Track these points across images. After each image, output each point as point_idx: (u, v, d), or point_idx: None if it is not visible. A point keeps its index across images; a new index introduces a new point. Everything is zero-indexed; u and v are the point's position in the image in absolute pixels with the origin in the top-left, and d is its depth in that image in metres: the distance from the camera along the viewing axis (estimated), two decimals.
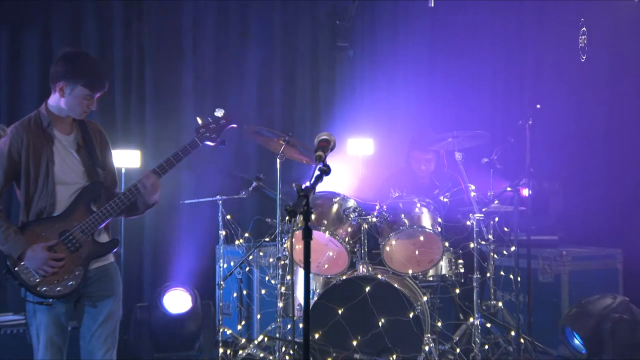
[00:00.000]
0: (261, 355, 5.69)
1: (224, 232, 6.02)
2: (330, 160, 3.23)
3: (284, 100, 7.57)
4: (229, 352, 5.72)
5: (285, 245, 5.58)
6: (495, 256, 5.78)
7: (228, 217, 6.01)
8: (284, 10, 7.58)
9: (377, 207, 5.50)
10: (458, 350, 5.46)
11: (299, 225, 5.03)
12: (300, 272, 5.65)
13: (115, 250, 3.93)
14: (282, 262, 5.60)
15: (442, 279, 5.61)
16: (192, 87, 7.11)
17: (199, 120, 3.97)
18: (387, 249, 5.46)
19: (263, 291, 6.16)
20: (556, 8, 7.68)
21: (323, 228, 5.35)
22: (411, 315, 5.07)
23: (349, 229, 5.47)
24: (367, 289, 5.14)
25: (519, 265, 5.70)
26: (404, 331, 5.06)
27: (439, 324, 5.46)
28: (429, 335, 5.19)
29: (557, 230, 6.99)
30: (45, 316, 3.70)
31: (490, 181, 5.75)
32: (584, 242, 6.95)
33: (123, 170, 6.14)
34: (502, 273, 5.92)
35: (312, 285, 5.61)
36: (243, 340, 5.80)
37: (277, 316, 5.61)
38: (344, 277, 5.29)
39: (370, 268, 5.33)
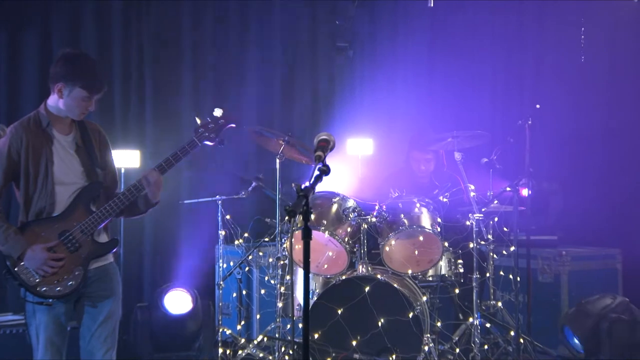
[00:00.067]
0: (261, 355, 5.69)
1: (223, 232, 6.02)
2: (330, 160, 3.23)
3: (284, 100, 7.57)
4: (228, 352, 5.72)
5: (284, 245, 5.58)
6: (495, 256, 5.78)
7: (227, 217, 6.01)
8: (284, 10, 7.58)
9: (376, 207, 5.50)
10: (457, 350, 5.46)
11: (299, 225, 5.03)
12: (300, 272, 5.65)
13: (114, 250, 3.94)
14: (282, 262, 5.60)
15: (441, 279, 5.61)
16: (192, 87, 7.11)
17: (198, 120, 3.97)
18: (387, 249, 5.46)
19: (262, 291, 6.16)
20: (556, 8, 7.69)
21: (322, 228, 5.35)
22: (411, 315, 5.07)
23: (349, 229, 5.47)
24: (367, 289, 5.14)
25: (518, 265, 5.70)
26: (404, 331, 5.06)
27: (439, 324, 5.46)
28: (429, 335, 5.19)
29: (557, 230, 6.99)
30: (45, 316, 3.70)
31: (490, 181, 5.75)
32: (584, 242, 6.95)
33: (122, 170, 6.13)
34: (501, 273, 5.93)
35: (312, 285, 5.61)
36: (242, 340, 5.80)
37: (277, 316, 5.62)
38: (344, 277, 5.29)
39: (369, 268, 5.33)
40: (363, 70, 7.85)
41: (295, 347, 5.36)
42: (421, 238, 5.49)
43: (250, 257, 6.05)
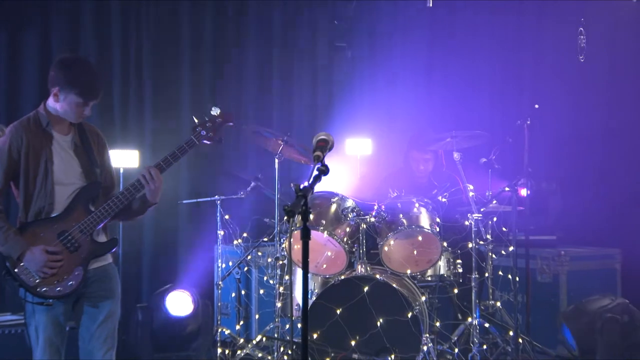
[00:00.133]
0: (259, 355, 5.69)
1: (222, 232, 6.02)
2: (329, 160, 3.23)
3: (283, 101, 7.57)
4: (227, 352, 5.72)
5: (283, 245, 5.58)
6: (494, 256, 5.78)
7: (226, 217, 6.01)
8: (283, 10, 7.58)
9: (375, 207, 5.50)
10: (456, 350, 5.46)
11: (297, 225, 5.03)
12: (299, 272, 5.65)
13: (114, 249, 3.94)
14: (281, 262, 5.60)
15: (440, 279, 5.61)
16: (191, 87, 7.11)
17: (196, 120, 3.97)
18: (386, 249, 5.46)
19: (261, 291, 6.16)
20: (555, 8, 7.68)
21: (321, 228, 5.35)
22: (409, 315, 5.07)
23: (348, 229, 5.47)
24: (366, 289, 5.14)
25: (517, 265, 5.70)
26: (403, 331, 5.06)
27: (438, 324, 5.46)
28: (428, 335, 5.19)
29: (556, 230, 7.00)
30: (44, 316, 3.70)
31: (489, 181, 5.75)
32: (583, 242, 6.95)
33: (121, 170, 6.13)
34: (500, 273, 5.93)
35: (311, 285, 5.61)
36: (241, 340, 5.80)
37: (276, 316, 5.62)
38: (343, 277, 5.28)
39: (368, 268, 5.33)
40: (362, 70, 7.85)
41: (294, 347, 5.35)
42: (420, 238, 5.49)
43: (249, 257, 6.05)
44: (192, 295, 6.12)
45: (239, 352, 5.69)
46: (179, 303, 6.08)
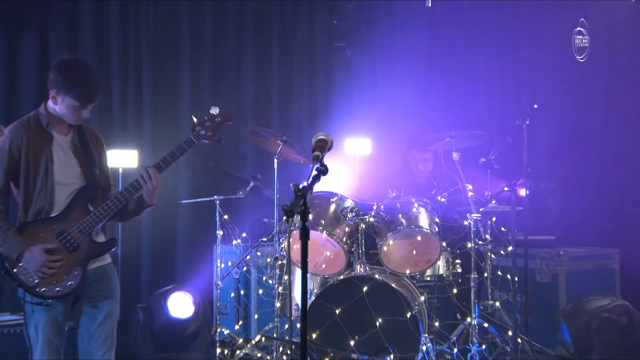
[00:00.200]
0: (258, 355, 5.69)
1: (221, 232, 6.01)
2: (328, 160, 3.22)
3: (282, 100, 7.57)
4: (226, 352, 5.72)
5: (282, 245, 5.58)
6: (493, 256, 5.79)
7: (225, 217, 6.00)
8: (282, 10, 7.58)
9: (374, 207, 5.50)
10: (455, 350, 5.46)
11: (297, 225, 5.03)
12: (298, 272, 5.65)
13: (113, 250, 3.94)
14: (280, 262, 5.60)
15: (439, 279, 5.61)
16: (190, 86, 7.10)
17: (195, 119, 3.96)
18: (385, 248, 5.46)
19: (260, 291, 6.16)
20: (554, 8, 7.68)
21: (320, 228, 5.35)
22: (408, 315, 5.07)
23: (347, 229, 5.47)
24: (365, 288, 5.14)
25: (516, 265, 5.70)
26: (402, 331, 5.06)
27: (437, 323, 5.46)
28: (427, 335, 5.19)
29: (555, 230, 7.00)
30: (43, 316, 3.70)
31: (488, 181, 5.75)
32: (581, 242, 6.95)
33: (120, 170, 6.12)
34: (499, 273, 5.93)
35: (310, 285, 5.61)
36: (240, 340, 5.80)
37: (275, 316, 5.62)
38: (342, 277, 5.29)
39: (367, 268, 5.33)
40: (361, 70, 7.85)
41: (293, 347, 5.35)
42: (419, 238, 5.49)
43: (248, 257, 6.04)
44: (194, 297, 6.12)
45: (238, 352, 5.69)
46: (180, 305, 6.08)
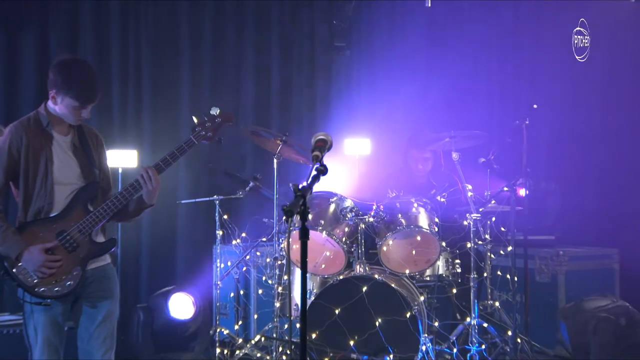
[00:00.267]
0: (258, 355, 5.69)
1: (221, 232, 6.01)
2: (327, 160, 3.22)
3: (281, 100, 7.57)
4: (225, 352, 5.72)
5: (282, 245, 5.58)
6: (492, 256, 5.79)
7: (225, 217, 6.00)
8: (282, 9, 7.58)
9: (374, 207, 5.51)
10: (455, 350, 5.46)
11: (296, 225, 5.03)
12: (297, 272, 5.65)
13: (112, 250, 3.94)
14: (279, 262, 5.60)
15: (439, 279, 5.62)
16: (189, 86, 7.10)
17: (195, 119, 3.96)
18: (384, 248, 5.46)
19: (260, 291, 6.16)
20: (554, 7, 7.69)
21: (320, 228, 5.36)
22: (408, 315, 5.07)
23: (346, 229, 5.47)
24: (364, 288, 5.14)
25: (515, 265, 5.70)
26: (401, 331, 5.06)
27: (436, 323, 5.46)
28: (426, 335, 5.19)
29: (554, 230, 7.00)
30: (43, 316, 3.70)
31: (487, 181, 5.75)
32: (581, 242, 6.96)
33: (120, 170, 6.12)
34: (499, 273, 5.94)
35: (309, 285, 5.62)
36: (240, 340, 5.80)
37: (274, 316, 5.62)
38: (341, 277, 5.29)
39: (367, 268, 5.33)
40: (360, 70, 7.86)
41: (293, 347, 5.35)
42: (419, 238, 5.50)
43: (247, 257, 6.04)
44: (195, 298, 6.12)
45: (237, 352, 5.69)
46: (181, 306, 6.08)
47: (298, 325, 3.89)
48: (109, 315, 3.88)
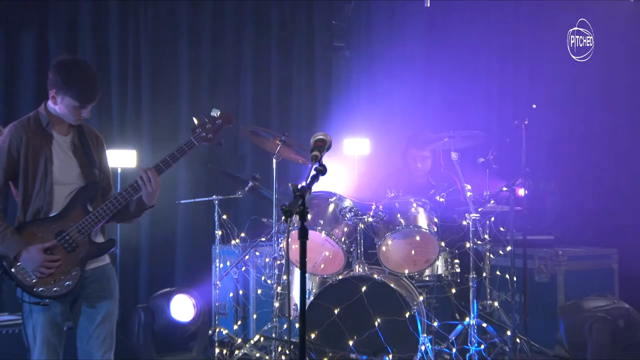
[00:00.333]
0: (257, 355, 5.69)
1: (220, 232, 6.01)
2: (327, 160, 3.22)
3: (280, 100, 7.57)
4: (225, 352, 5.72)
5: (281, 245, 5.58)
6: (491, 256, 5.79)
7: (224, 217, 6.00)
8: (281, 10, 7.58)
9: (373, 207, 5.51)
10: (454, 350, 5.46)
11: (295, 225, 5.03)
12: (297, 272, 5.63)
13: (112, 250, 3.94)
14: (278, 262, 5.60)
15: (438, 279, 5.62)
16: (189, 86, 7.09)
17: (195, 120, 3.96)
18: (384, 248, 5.46)
19: (259, 291, 6.16)
20: (554, 8, 7.69)
21: (319, 228, 5.36)
22: (407, 315, 5.07)
23: (345, 229, 5.48)
24: (363, 288, 5.14)
25: (515, 265, 5.70)
26: (400, 331, 5.06)
27: (435, 323, 5.46)
28: (425, 335, 5.19)
29: (553, 230, 7.01)
30: (42, 316, 3.70)
31: (487, 181, 5.75)
32: (580, 242, 6.96)
33: (119, 170, 6.12)
34: (498, 273, 5.94)
35: (308, 285, 5.62)
36: (239, 340, 5.80)
37: (273, 316, 5.61)
38: (340, 277, 5.29)
39: (366, 268, 5.34)
40: (360, 70, 7.86)
41: (292, 347, 5.35)
42: (418, 238, 5.50)
43: (246, 257, 6.05)
44: (195, 300, 6.12)
45: (236, 352, 5.69)
46: (183, 308, 6.08)
47: (297, 325, 3.90)
48: (108, 316, 3.87)
